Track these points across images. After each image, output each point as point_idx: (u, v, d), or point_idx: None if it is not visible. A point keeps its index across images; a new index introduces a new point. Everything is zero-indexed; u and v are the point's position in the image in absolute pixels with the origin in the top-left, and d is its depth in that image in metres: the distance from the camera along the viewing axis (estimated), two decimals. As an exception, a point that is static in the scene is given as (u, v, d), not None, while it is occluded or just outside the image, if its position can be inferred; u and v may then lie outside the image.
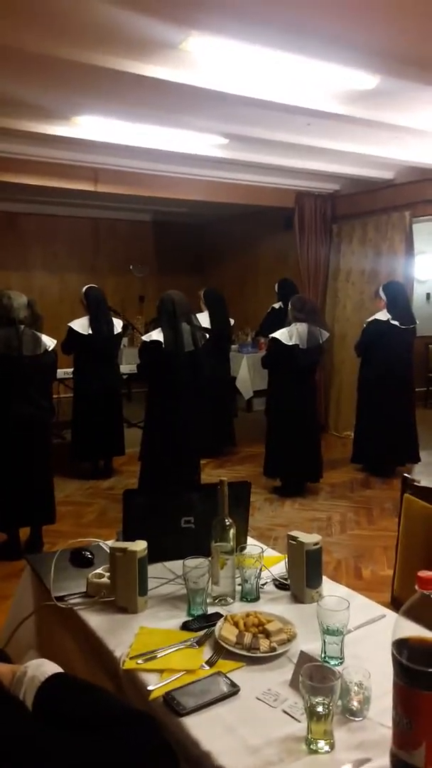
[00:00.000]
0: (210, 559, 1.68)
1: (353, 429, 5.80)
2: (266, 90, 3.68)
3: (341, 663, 1.41)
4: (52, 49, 3.08)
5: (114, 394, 5.38)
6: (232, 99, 3.70)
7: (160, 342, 4.12)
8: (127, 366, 6.33)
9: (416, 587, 1.04)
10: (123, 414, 5.54)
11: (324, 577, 1.78)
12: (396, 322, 5.29)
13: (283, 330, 4.77)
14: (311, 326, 4.76)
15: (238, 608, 1.66)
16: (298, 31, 2.94)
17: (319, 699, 1.15)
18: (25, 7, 2.73)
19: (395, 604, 2.24)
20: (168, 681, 1.33)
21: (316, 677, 1.18)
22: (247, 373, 6.95)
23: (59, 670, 1.10)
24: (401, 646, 1.04)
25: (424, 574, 1.03)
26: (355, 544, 4.15)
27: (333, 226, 7.12)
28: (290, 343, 4.69)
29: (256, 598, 1.71)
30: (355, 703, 1.24)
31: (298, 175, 6.44)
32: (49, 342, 3.73)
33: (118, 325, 5.38)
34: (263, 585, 1.78)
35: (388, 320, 5.30)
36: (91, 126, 4.48)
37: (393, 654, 1.05)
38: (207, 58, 3.26)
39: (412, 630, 1.04)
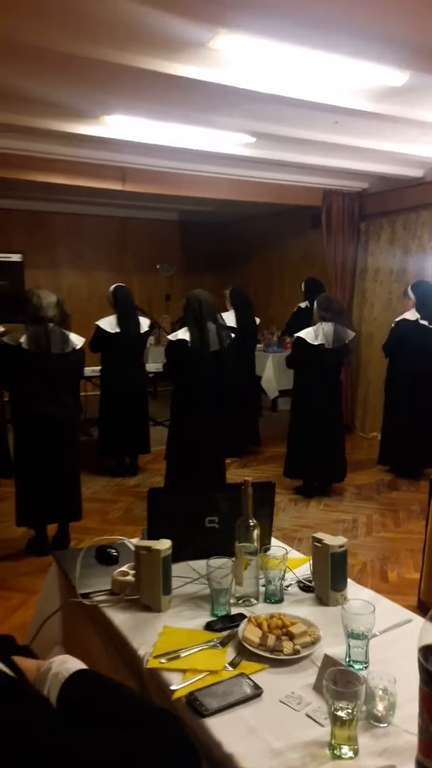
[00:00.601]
0: (233, 559, 1.68)
1: (380, 430, 5.74)
2: (294, 88, 3.66)
3: (366, 667, 1.39)
4: (80, 49, 3.10)
5: (140, 392, 5.41)
6: (260, 97, 3.69)
7: (186, 341, 4.13)
8: (153, 364, 6.36)
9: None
10: (148, 412, 5.57)
11: (349, 580, 1.76)
12: (425, 322, 5.22)
13: (309, 329, 4.73)
14: (337, 326, 4.71)
15: (261, 609, 1.65)
16: (327, 28, 2.92)
17: (343, 704, 1.14)
18: (53, 7, 2.75)
19: (422, 608, 2.22)
20: (191, 681, 1.33)
21: (340, 682, 1.17)
22: (272, 372, 6.92)
23: (83, 666, 1.11)
24: (428, 652, 1.02)
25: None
26: (381, 547, 4.10)
27: (361, 224, 7.04)
28: (315, 343, 4.66)
29: (280, 600, 1.70)
30: (380, 709, 1.23)
31: (326, 174, 6.39)
32: (77, 340, 3.77)
33: (144, 323, 5.41)
34: (287, 587, 1.78)
35: (416, 320, 5.22)
36: (119, 125, 4.50)
37: (419, 660, 1.03)
38: (235, 55, 3.25)
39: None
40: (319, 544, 1.70)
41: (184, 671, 1.37)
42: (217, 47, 3.10)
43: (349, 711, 1.14)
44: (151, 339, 6.98)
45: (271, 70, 3.44)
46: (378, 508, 4.80)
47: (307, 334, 4.70)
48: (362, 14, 2.82)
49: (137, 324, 5.32)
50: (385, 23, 2.92)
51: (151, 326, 5.82)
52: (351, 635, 1.40)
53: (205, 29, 2.95)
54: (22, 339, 3.56)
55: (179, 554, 1.81)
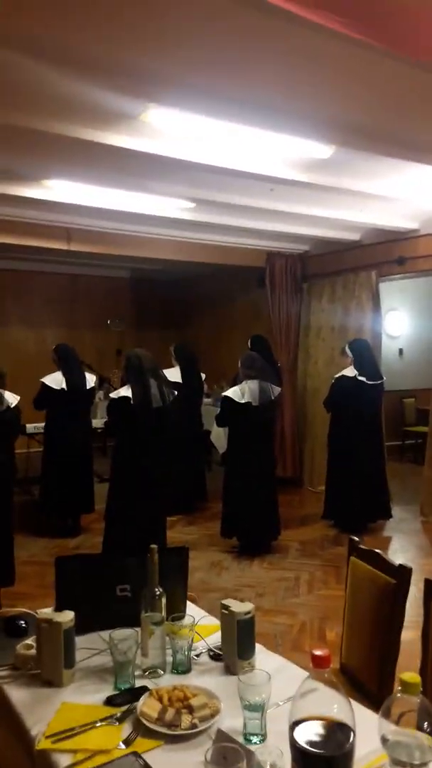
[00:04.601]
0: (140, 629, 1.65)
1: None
2: (226, 158, 3.83)
3: (263, 740, 1.37)
4: (18, 119, 3.19)
5: (84, 449, 5.35)
6: (194, 166, 3.84)
7: (128, 398, 4.14)
8: (101, 420, 6.32)
9: (311, 665, 1.04)
10: (93, 470, 5.50)
11: (260, 647, 1.75)
12: (363, 378, 5.36)
13: (236, 388, 4.81)
14: (262, 383, 4.80)
15: (167, 681, 1.62)
16: (249, 104, 3.08)
17: (224, 782, 1.12)
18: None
19: (344, 672, 2.20)
20: (79, 763, 1.29)
21: (230, 758, 1.15)
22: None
23: None
24: (298, 728, 1.03)
25: (318, 652, 1.03)
26: (322, 605, 4.08)
27: (304, 284, 7.28)
28: (242, 401, 4.73)
29: (187, 670, 1.67)
30: (268, 785, 1.21)
31: (268, 237, 6.62)
32: (11, 398, 3.75)
33: (90, 379, 5.41)
34: (198, 655, 1.75)
35: (355, 376, 5.37)
36: (60, 189, 4.60)
37: (290, 736, 1.03)
38: (166, 128, 3.39)
39: (308, 711, 1.03)
40: (226, 611, 1.69)
41: (74, 751, 1.33)
42: (148, 120, 3.24)
43: (232, 789, 1.12)
44: (100, 394, 6.96)
45: (201, 141, 3.60)
46: (321, 565, 4.79)
47: (233, 392, 4.77)
48: (282, 93, 3.00)
49: (83, 380, 5.32)
50: (306, 102, 3.10)
51: (100, 382, 5.82)
52: (247, 707, 1.38)
53: (136, 103, 3.08)
54: None
55: (89, 624, 1.78)
